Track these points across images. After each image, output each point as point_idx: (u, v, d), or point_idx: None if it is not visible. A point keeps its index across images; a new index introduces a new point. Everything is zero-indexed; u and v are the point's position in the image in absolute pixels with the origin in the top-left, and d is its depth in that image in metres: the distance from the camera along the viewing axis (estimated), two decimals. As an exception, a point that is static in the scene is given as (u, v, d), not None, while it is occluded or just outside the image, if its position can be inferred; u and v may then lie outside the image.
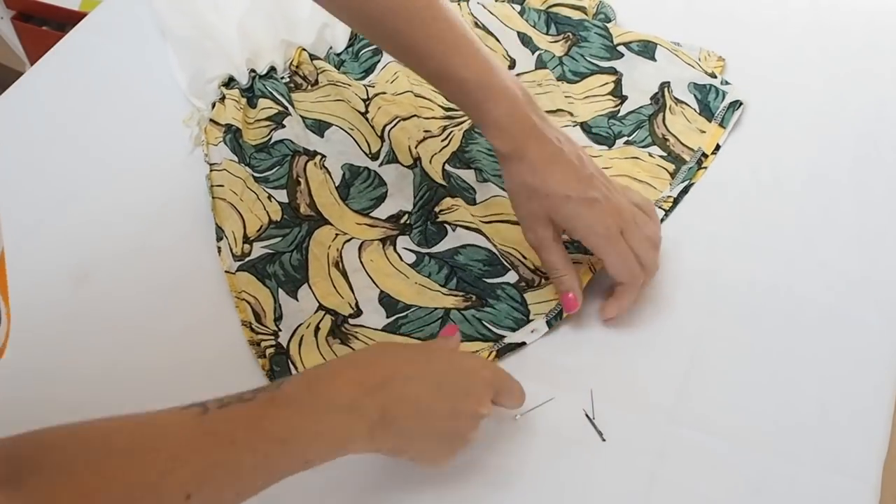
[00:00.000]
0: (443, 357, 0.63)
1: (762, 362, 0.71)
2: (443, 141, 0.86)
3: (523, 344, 0.72)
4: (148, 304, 0.76)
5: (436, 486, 0.64)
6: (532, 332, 0.72)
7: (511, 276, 0.76)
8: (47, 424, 0.48)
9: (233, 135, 0.84)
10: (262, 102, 0.88)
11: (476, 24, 0.93)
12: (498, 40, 0.93)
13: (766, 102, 0.90)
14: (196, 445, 0.49)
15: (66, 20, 1.62)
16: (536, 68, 0.92)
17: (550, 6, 0.99)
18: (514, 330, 0.73)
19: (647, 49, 0.92)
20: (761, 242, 0.79)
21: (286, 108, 0.87)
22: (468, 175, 0.83)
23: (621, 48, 0.92)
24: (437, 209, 0.80)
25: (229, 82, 0.89)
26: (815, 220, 0.80)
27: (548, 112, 0.86)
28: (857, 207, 0.81)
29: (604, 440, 0.66)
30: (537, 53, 0.92)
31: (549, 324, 0.73)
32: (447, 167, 0.83)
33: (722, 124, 0.86)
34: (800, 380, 0.70)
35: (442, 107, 0.89)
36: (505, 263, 0.77)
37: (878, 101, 0.91)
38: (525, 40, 0.93)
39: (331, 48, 0.94)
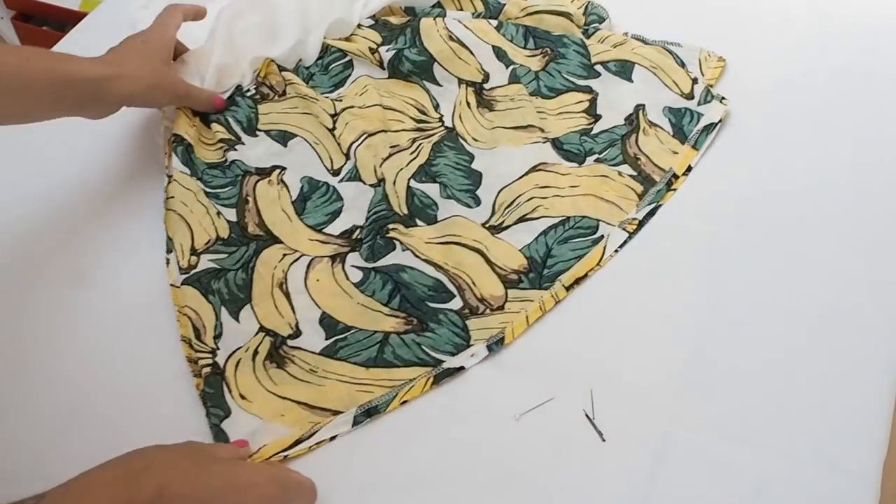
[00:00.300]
0: (221, 472, 0.58)
1: (762, 362, 0.71)
2: (411, 154, 0.85)
3: (462, 369, 0.70)
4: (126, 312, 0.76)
5: (436, 486, 0.65)
6: (472, 356, 0.71)
7: (455, 303, 0.74)
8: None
9: (184, 147, 0.83)
10: (217, 127, 0.86)
11: (451, 37, 0.92)
12: (472, 53, 0.91)
13: (766, 102, 0.90)
14: None
15: (66, 20, 1.63)
16: (510, 82, 0.90)
17: (532, 12, 0.97)
18: (453, 355, 0.71)
19: (624, 69, 0.90)
20: (761, 242, 0.79)
21: (239, 137, 0.86)
22: (433, 190, 0.82)
23: (599, 67, 0.91)
24: (389, 226, 0.78)
25: None
26: (815, 220, 0.80)
27: (518, 127, 0.86)
28: (857, 207, 0.81)
29: (604, 440, 0.66)
30: (511, 68, 0.91)
31: (489, 348, 0.71)
32: (412, 183, 0.82)
33: (695, 146, 0.85)
34: (799, 380, 0.70)
35: (413, 118, 0.88)
36: (451, 288, 0.75)
37: (878, 100, 0.90)
38: (500, 54, 0.91)
39: (300, 61, 0.93)
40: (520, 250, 0.78)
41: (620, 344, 0.72)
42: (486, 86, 0.90)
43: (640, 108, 0.87)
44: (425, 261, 0.77)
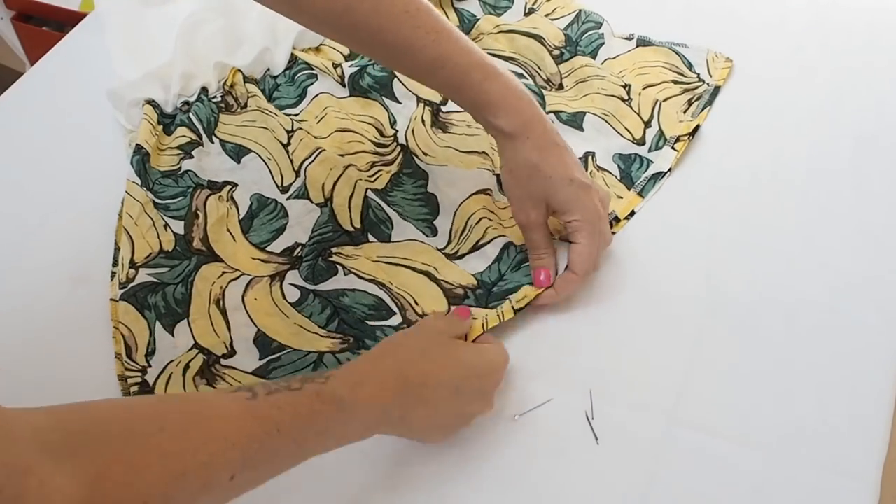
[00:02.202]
0: (469, 357, 0.64)
1: (762, 362, 0.71)
2: (369, 178, 0.83)
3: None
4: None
5: (436, 486, 0.65)
6: None
7: (395, 320, 0.73)
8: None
9: (141, 157, 0.82)
10: (179, 130, 0.86)
11: None
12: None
13: (766, 101, 0.91)
14: (246, 429, 0.50)
15: (66, 20, 1.64)
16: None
17: (506, 30, 0.96)
18: None
19: (575, 119, 0.88)
20: (761, 242, 0.79)
21: (200, 137, 0.86)
22: (390, 209, 0.81)
23: (552, 117, 0.89)
24: (333, 249, 0.77)
25: (151, 103, 0.88)
26: (815, 220, 0.80)
27: (476, 152, 0.85)
28: (857, 207, 0.81)
29: (598, 443, 0.66)
30: None
31: None
32: (370, 194, 0.81)
33: (641, 193, 0.83)
34: (799, 380, 0.70)
35: (372, 141, 0.87)
36: (393, 307, 0.74)
37: (878, 99, 0.91)
38: None
39: (268, 70, 0.92)
40: (472, 275, 0.77)
41: (620, 344, 0.72)
42: (443, 108, 0.89)
43: (589, 154, 0.86)
44: (369, 280, 0.75)
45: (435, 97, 0.89)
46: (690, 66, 0.93)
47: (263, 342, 0.72)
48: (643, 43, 0.97)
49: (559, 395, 0.69)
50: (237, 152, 0.86)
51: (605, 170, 0.85)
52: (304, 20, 0.74)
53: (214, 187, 0.83)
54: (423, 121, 0.88)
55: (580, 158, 0.84)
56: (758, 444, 0.66)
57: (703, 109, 0.90)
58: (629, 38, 0.97)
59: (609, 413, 0.68)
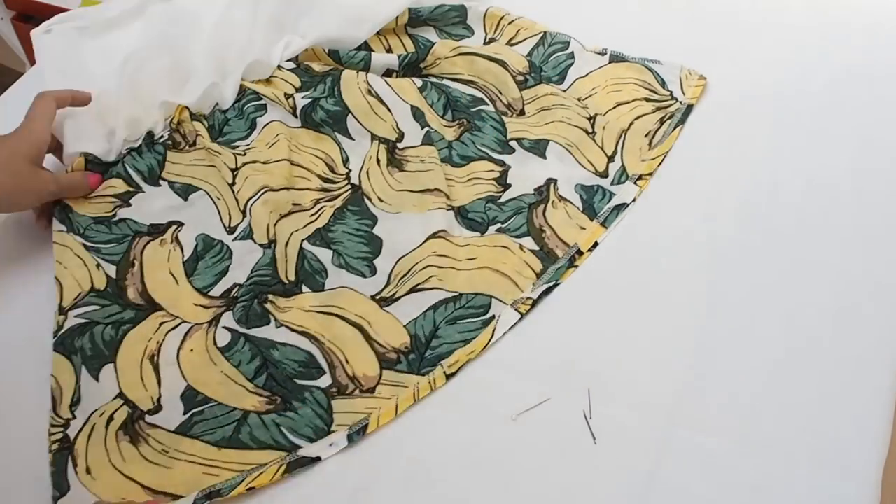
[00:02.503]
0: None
1: (762, 363, 0.71)
2: (311, 216, 0.81)
3: (318, 459, 0.67)
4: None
5: (435, 485, 0.65)
6: (330, 445, 0.68)
7: (324, 381, 0.71)
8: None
9: (62, 207, 0.81)
10: (114, 181, 0.84)
11: (370, 91, 0.88)
12: (389, 110, 0.87)
13: (766, 103, 0.90)
14: None
15: (66, 21, 1.63)
16: (423, 143, 0.86)
17: (465, 53, 0.93)
18: (312, 440, 0.68)
19: (538, 146, 0.86)
20: (761, 243, 0.79)
21: (140, 187, 0.84)
22: (325, 256, 0.79)
23: (514, 143, 0.86)
24: (269, 296, 0.75)
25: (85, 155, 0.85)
26: (816, 221, 0.80)
27: (425, 191, 0.82)
28: (858, 208, 0.81)
29: (595, 443, 0.66)
30: (426, 130, 0.86)
31: (350, 438, 0.68)
32: (305, 245, 0.79)
33: (604, 224, 0.81)
34: (799, 381, 0.70)
35: (320, 176, 0.84)
36: (322, 364, 0.72)
37: (878, 101, 0.90)
38: (417, 115, 0.87)
39: (217, 105, 0.90)
40: (405, 325, 0.74)
41: (619, 344, 0.72)
42: (399, 145, 0.86)
43: (551, 181, 0.83)
44: (301, 333, 0.73)
45: (389, 133, 0.86)
46: (663, 84, 0.91)
47: (189, 395, 0.70)
48: (616, 59, 0.94)
49: (557, 395, 0.68)
50: (185, 191, 0.84)
51: (566, 200, 0.82)
52: None
53: (157, 231, 0.81)
54: (378, 160, 0.85)
55: (541, 186, 0.82)
56: (758, 444, 0.66)
57: (674, 128, 0.87)
58: (602, 53, 0.94)
59: (608, 413, 0.68)
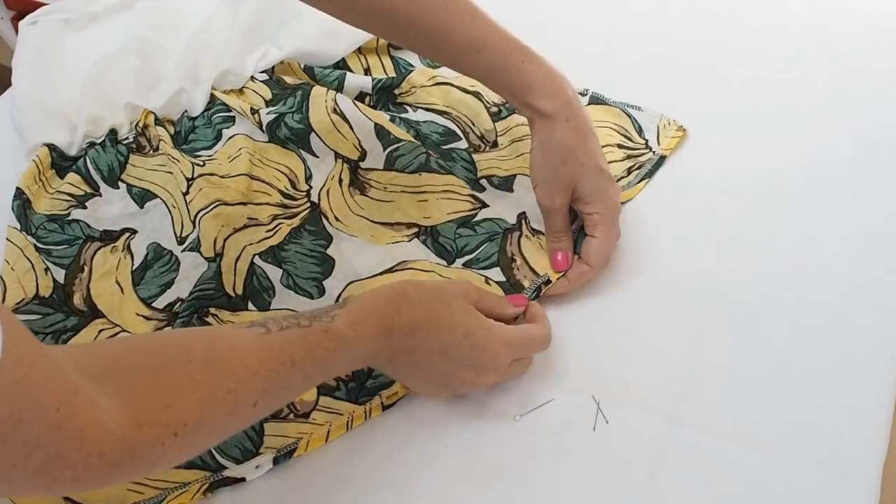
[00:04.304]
0: (468, 323, 0.64)
1: (762, 363, 0.71)
2: (267, 231, 0.80)
3: (243, 480, 0.66)
4: None
5: (436, 485, 0.65)
6: (256, 467, 0.66)
7: None
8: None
9: (22, 202, 0.80)
10: (71, 177, 0.83)
11: (335, 110, 0.87)
12: (352, 128, 0.86)
13: (766, 102, 0.91)
14: (263, 359, 0.54)
15: (66, 21, 1.63)
16: (385, 168, 0.84)
17: (441, 83, 0.92)
18: (238, 462, 0.67)
19: (506, 182, 0.84)
20: (761, 243, 0.79)
21: (97, 188, 0.83)
22: (275, 274, 0.77)
23: (484, 181, 0.84)
24: (211, 309, 0.74)
25: (50, 146, 0.85)
26: (816, 221, 0.80)
27: (390, 224, 0.81)
28: (858, 207, 0.81)
29: (607, 423, 0.67)
30: (390, 150, 0.84)
31: (275, 460, 0.67)
32: (256, 259, 0.78)
33: (577, 254, 0.78)
34: (799, 380, 0.70)
35: (280, 192, 0.83)
36: None
37: (878, 100, 0.91)
38: (381, 133, 0.85)
39: (185, 112, 0.89)
40: None
41: (620, 344, 0.72)
42: (362, 164, 0.85)
43: (522, 216, 0.81)
44: None
45: (352, 153, 0.85)
46: (640, 131, 0.88)
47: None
48: (596, 100, 0.91)
49: (560, 396, 0.69)
50: (142, 197, 0.83)
51: (538, 232, 0.80)
52: (334, 10, 0.74)
53: (109, 237, 0.80)
54: (340, 180, 0.84)
55: (513, 224, 0.80)
56: (758, 444, 0.66)
57: (641, 180, 0.84)
58: (583, 94, 0.92)
59: (609, 413, 0.68)
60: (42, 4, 1.63)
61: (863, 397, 0.68)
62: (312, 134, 0.86)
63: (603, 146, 0.85)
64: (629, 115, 0.89)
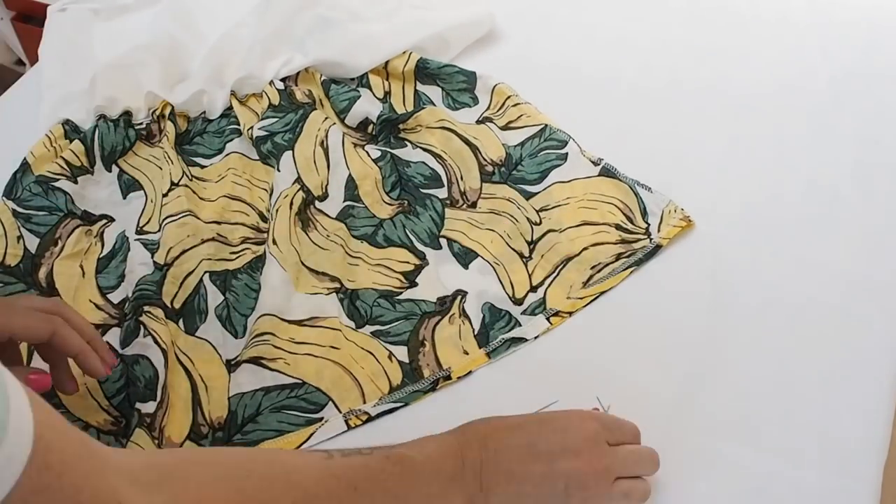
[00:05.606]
0: (533, 417, 0.62)
1: (764, 363, 0.71)
2: (231, 253, 0.81)
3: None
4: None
5: None
6: None
7: (149, 407, 0.70)
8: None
9: (20, 168, 0.84)
10: (77, 146, 0.86)
11: (322, 143, 0.86)
12: (328, 166, 0.85)
13: (766, 102, 0.92)
14: (324, 484, 0.53)
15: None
16: (337, 217, 0.83)
17: (445, 127, 0.90)
18: None
19: (465, 256, 0.81)
20: (763, 243, 0.79)
21: (92, 165, 0.85)
22: (215, 299, 0.77)
23: (443, 241, 0.82)
24: (148, 311, 0.74)
25: (66, 123, 0.89)
26: (817, 221, 0.81)
27: (316, 272, 0.79)
28: (859, 208, 0.82)
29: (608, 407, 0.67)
30: (347, 204, 0.83)
31: None
32: (206, 279, 0.78)
33: (490, 355, 0.74)
34: (801, 380, 0.70)
35: (260, 214, 0.84)
36: (151, 408, 0.70)
37: (878, 101, 0.91)
38: (349, 186, 0.84)
39: (203, 113, 0.91)
40: (230, 397, 0.71)
41: (622, 345, 0.73)
42: (317, 204, 0.83)
43: (459, 293, 0.78)
44: (162, 349, 0.72)
45: (316, 189, 0.84)
46: (644, 214, 0.82)
47: (45, 397, 0.65)
48: (607, 173, 0.86)
49: (564, 397, 0.68)
50: (129, 186, 0.86)
51: (466, 317, 0.77)
52: None
53: (88, 219, 0.83)
54: (291, 203, 0.82)
55: (447, 297, 0.78)
56: (759, 445, 0.66)
57: (627, 268, 0.78)
58: (596, 163, 0.87)
59: (612, 413, 0.67)
60: (42, 5, 1.64)
61: (863, 397, 0.68)
62: (288, 153, 0.85)
63: (600, 223, 0.82)
64: (637, 195, 0.84)
